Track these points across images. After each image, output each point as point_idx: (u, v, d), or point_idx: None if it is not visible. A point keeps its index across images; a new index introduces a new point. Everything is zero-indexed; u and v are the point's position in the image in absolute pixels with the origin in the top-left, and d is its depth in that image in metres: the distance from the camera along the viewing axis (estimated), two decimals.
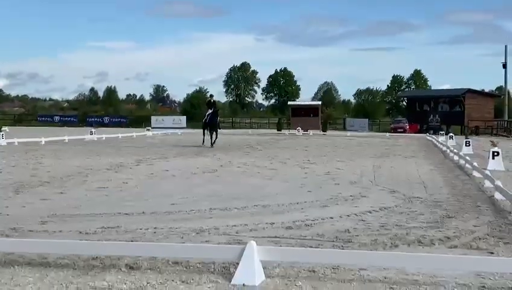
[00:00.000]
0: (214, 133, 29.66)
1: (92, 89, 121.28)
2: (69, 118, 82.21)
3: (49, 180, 14.42)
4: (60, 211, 9.80)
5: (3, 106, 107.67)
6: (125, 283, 5.77)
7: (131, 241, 7.37)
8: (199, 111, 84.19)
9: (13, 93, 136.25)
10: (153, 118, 77.24)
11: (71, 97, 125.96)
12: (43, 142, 31.36)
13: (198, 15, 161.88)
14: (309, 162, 20.69)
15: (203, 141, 30.08)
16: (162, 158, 21.96)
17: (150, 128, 54.97)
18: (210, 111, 29.94)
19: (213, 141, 29.30)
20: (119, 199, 11.46)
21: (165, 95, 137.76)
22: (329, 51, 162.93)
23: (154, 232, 8.20)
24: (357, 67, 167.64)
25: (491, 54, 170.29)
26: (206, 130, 30.13)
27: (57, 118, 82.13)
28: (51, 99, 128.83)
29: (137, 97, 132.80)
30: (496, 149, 18.67)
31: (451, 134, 41.00)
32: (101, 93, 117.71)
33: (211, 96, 33.57)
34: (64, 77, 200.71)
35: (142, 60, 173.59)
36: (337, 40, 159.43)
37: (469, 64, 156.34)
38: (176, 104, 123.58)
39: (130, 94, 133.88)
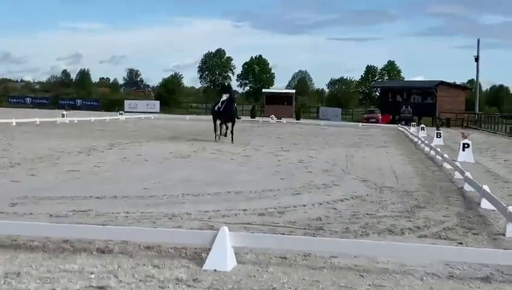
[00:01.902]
0: (231, 124, 23.50)
1: (64, 71, 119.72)
2: (41, 100, 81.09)
3: (20, 161, 14.25)
4: (31, 194, 9.68)
5: None
6: (96, 267, 5.72)
7: (103, 225, 7.31)
8: (173, 96, 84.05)
9: None
10: (126, 102, 76.44)
11: (44, 79, 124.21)
12: (14, 124, 30.95)
13: None
14: (282, 150, 20.73)
15: (216, 137, 23.73)
16: (135, 142, 21.82)
17: (123, 112, 54.52)
18: (225, 97, 23.50)
19: (231, 135, 23.44)
20: (91, 183, 11.36)
21: (138, 79, 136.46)
22: (306, 39, 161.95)
23: (126, 217, 8.16)
24: (332, 56, 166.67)
25: (464, 46, 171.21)
26: (217, 122, 23.86)
27: (28, 100, 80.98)
28: (22, 81, 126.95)
29: (111, 81, 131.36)
30: (466, 141, 18.86)
31: (422, 125, 41.43)
32: (74, 76, 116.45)
33: (225, 78, 26.31)
34: (38, 58, 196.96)
35: (117, 43, 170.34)
36: (314, 28, 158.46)
37: (442, 57, 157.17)
38: (149, 89, 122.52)
39: (103, 77, 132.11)
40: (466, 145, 18.63)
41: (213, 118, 24.23)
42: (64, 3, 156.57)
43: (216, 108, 23.83)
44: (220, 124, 23.78)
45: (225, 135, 23.51)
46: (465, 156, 18.31)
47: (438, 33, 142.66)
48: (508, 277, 5.80)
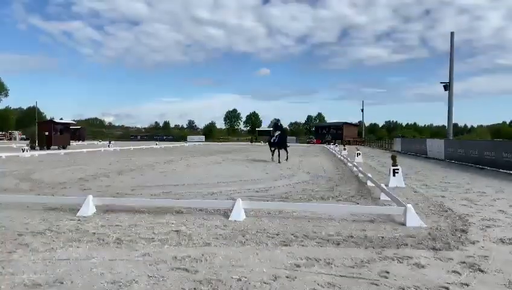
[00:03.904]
0: (284, 150, 18.18)
1: (156, 122, 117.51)
2: (144, 137, 77.71)
3: (135, 168, 13.98)
4: (141, 184, 9.51)
5: None
6: (175, 220, 5.67)
7: (177, 199, 7.23)
8: (212, 133, 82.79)
9: None
10: (189, 137, 74.74)
11: (145, 126, 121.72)
12: (132, 149, 30.38)
13: None
14: (264, 160, 20.53)
15: (272, 158, 18.06)
16: (191, 157, 21.49)
17: (187, 142, 53.60)
18: (277, 132, 17.72)
19: (286, 154, 18.62)
20: (171, 177, 11.14)
21: (194, 125, 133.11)
22: (278, 102, 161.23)
23: (189, 194, 8.03)
24: (291, 111, 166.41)
25: (357, 105, 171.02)
26: (272, 148, 18.03)
27: (139, 137, 78.26)
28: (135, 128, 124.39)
29: (180, 126, 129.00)
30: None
31: (336, 144, 41.33)
32: (161, 124, 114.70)
33: (278, 120, 18.20)
34: (143, 116, 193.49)
35: (183, 108, 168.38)
36: (281, 96, 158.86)
37: (347, 110, 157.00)
38: (200, 130, 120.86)
39: (177, 124, 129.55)
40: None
41: (269, 146, 18.21)
42: (153, 87, 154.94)
43: (272, 140, 17.84)
44: (274, 150, 18.02)
45: (279, 162, 17.09)
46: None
47: (343, 98, 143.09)
48: (379, 219, 5.77)
